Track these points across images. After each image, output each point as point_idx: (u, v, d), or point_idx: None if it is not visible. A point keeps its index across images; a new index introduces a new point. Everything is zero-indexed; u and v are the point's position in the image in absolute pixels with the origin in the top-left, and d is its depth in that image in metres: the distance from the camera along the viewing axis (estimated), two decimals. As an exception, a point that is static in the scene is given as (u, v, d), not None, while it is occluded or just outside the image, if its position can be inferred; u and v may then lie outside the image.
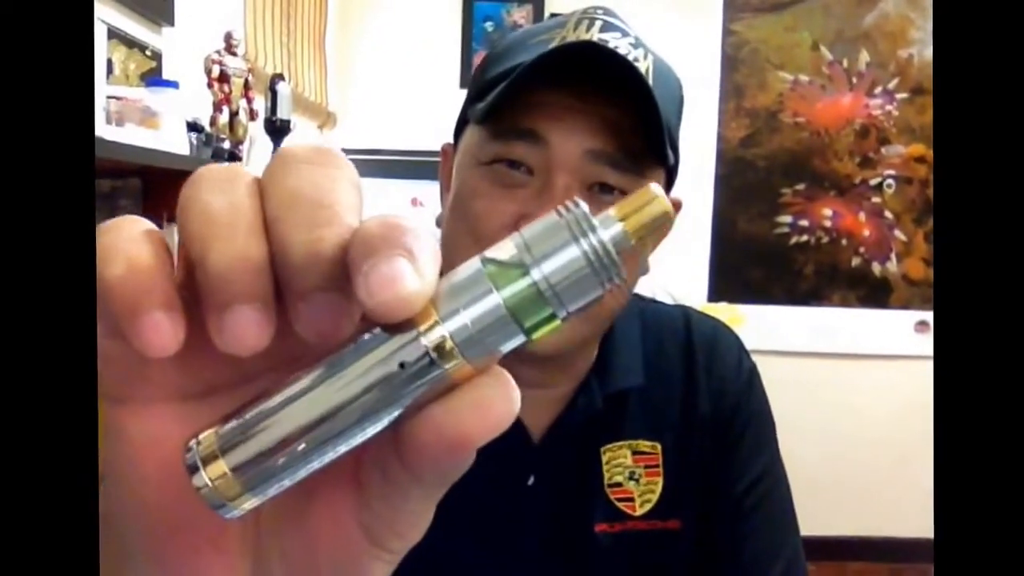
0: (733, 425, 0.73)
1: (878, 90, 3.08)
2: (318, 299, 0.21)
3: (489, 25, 3.01)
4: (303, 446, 0.21)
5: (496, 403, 0.21)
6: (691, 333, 0.75)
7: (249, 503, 0.22)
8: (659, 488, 0.69)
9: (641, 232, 0.22)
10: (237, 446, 0.21)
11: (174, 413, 0.24)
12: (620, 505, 0.69)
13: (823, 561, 3.05)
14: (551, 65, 0.56)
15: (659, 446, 0.70)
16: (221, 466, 0.21)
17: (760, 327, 2.94)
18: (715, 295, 3.08)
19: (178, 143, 1.47)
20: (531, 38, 0.64)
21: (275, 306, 0.21)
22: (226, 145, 1.80)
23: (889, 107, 3.08)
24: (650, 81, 0.59)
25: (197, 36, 1.93)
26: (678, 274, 2.84)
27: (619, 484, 0.69)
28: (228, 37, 1.84)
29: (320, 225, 0.21)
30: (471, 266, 0.22)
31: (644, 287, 0.76)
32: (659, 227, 0.22)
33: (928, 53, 3.06)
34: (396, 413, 0.21)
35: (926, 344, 3.08)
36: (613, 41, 0.60)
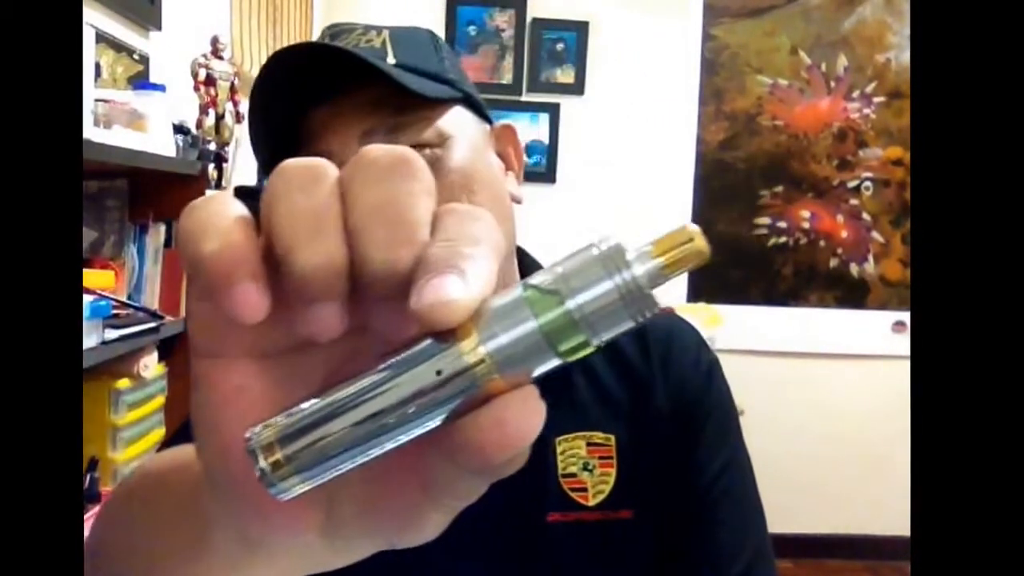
0: (694, 418, 0.73)
1: (856, 94, 3.12)
2: (391, 306, 0.24)
3: (472, 29, 3.02)
4: (351, 442, 0.24)
5: (515, 423, 0.23)
6: (645, 328, 0.75)
7: (299, 488, 0.24)
8: (612, 479, 0.70)
9: (676, 269, 0.24)
10: (292, 437, 0.24)
11: (254, 368, 0.26)
12: (573, 495, 0.69)
13: (801, 559, 3.08)
14: (293, 96, 0.62)
15: (613, 438, 0.71)
16: (277, 453, 0.24)
17: (739, 327, 2.95)
18: (694, 295, 3.09)
19: (164, 145, 1.47)
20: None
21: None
22: (212, 147, 1.80)
23: (867, 110, 3.13)
24: (390, 49, 0.65)
25: (184, 40, 1.93)
26: (659, 275, 2.88)
27: (573, 475, 0.69)
28: (214, 41, 1.86)
29: (399, 244, 0.23)
30: (513, 291, 0.24)
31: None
32: (694, 264, 0.24)
33: (905, 57, 3.11)
34: (436, 419, 0.23)
35: (903, 344, 3.11)
36: (341, 41, 0.65)
